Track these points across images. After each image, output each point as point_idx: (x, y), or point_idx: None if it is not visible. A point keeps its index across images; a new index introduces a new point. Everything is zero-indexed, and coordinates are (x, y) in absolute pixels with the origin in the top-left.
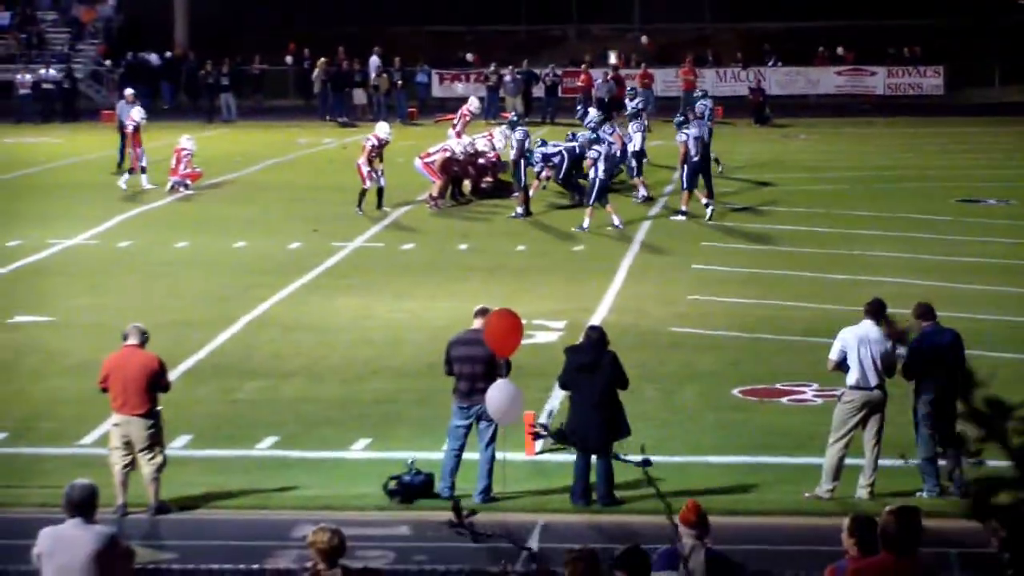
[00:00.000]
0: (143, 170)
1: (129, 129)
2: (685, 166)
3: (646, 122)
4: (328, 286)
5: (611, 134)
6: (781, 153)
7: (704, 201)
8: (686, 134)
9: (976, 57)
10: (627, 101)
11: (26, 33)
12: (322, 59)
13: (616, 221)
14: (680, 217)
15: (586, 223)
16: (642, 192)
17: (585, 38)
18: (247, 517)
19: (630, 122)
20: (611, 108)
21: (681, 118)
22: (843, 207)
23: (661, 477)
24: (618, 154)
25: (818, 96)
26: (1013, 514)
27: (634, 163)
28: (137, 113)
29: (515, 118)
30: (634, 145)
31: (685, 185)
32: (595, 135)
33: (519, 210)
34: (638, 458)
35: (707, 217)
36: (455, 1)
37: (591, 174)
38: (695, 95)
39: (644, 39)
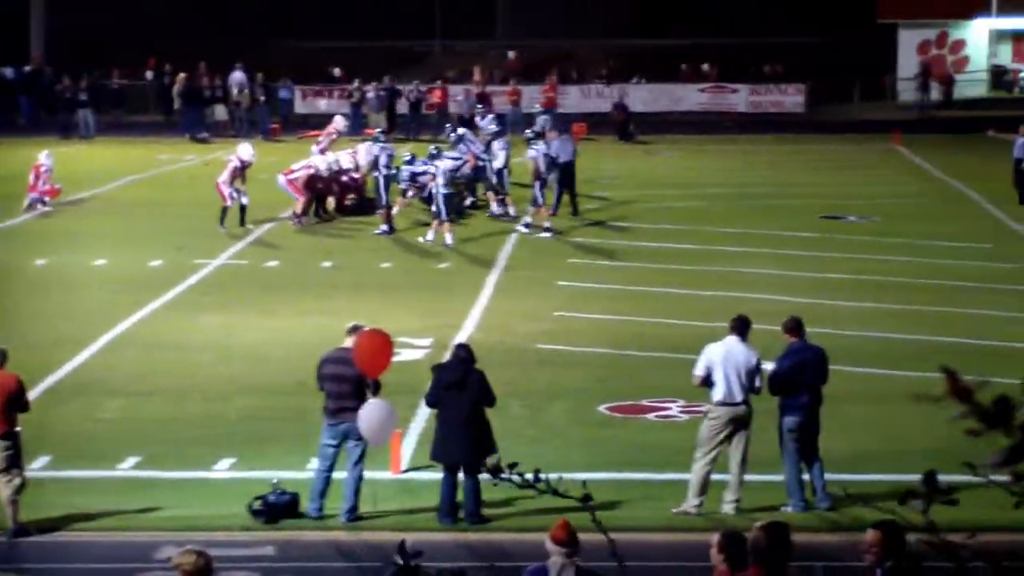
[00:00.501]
0: None
1: None
2: (537, 182)
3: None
4: (191, 304)
5: (466, 152)
6: (646, 170)
7: (545, 223)
8: (535, 150)
9: (836, 75)
10: (478, 120)
11: None
12: (182, 74)
13: (430, 237)
14: (545, 234)
15: (448, 239)
16: (495, 208)
17: (449, 54)
18: (110, 539)
19: (494, 140)
20: (470, 125)
21: (531, 135)
22: (708, 223)
23: (529, 495)
24: (469, 171)
25: (681, 113)
26: None
27: (494, 180)
28: None
29: (379, 135)
30: (499, 162)
31: (540, 201)
32: (435, 152)
33: (383, 227)
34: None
35: (524, 227)
36: (318, 16)
37: (434, 190)
38: (527, 112)
39: (511, 55)
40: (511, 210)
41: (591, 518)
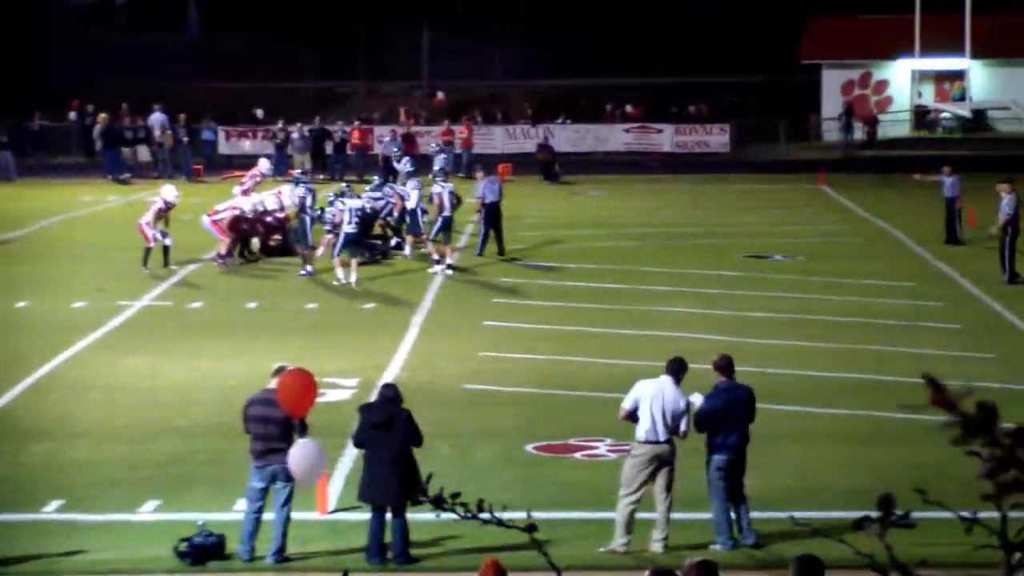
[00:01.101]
0: None
1: None
2: (440, 218)
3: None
4: (115, 346)
5: (391, 194)
6: (571, 210)
7: (445, 260)
8: (442, 187)
9: (761, 115)
10: (395, 163)
11: None
12: (103, 115)
13: (340, 276)
14: (442, 267)
15: (352, 276)
16: (408, 251)
17: (374, 95)
18: None
19: (408, 181)
20: (392, 168)
21: (437, 172)
22: (634, 263)
23: (458, 534)
24: (395, 213)
25: (606, 153)
26: None
27: (408, 220)
28: None
29: (299, 175)
30: (411, 203)
31: (433, 236)
32: (346, 189)
33: (308, 268)
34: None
35: (442, 268)
36: (242, 57)
37: (343, 228)
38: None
39: (439, 95)
40: (430, 250)
41: (536, 548)
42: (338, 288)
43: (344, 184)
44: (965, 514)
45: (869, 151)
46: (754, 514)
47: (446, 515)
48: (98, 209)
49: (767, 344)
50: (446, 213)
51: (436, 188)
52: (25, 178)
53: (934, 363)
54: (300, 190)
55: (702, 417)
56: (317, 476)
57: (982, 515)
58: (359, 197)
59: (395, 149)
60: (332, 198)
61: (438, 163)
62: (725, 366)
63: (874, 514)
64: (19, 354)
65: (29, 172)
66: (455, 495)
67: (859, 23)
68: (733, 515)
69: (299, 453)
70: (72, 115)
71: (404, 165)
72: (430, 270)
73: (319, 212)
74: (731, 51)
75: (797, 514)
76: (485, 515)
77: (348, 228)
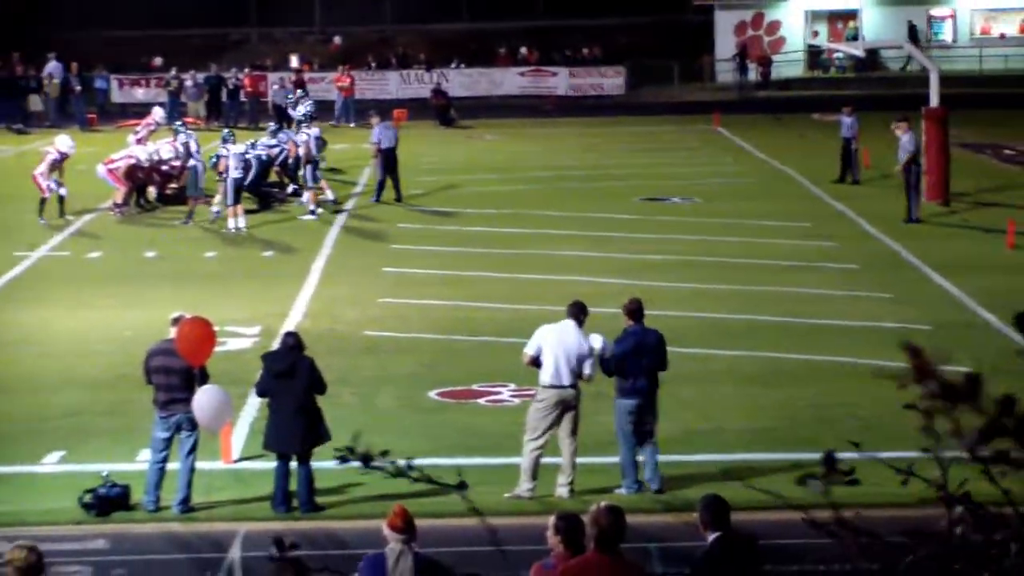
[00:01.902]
0: None
1: None
2: (309, 165)
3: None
4: (11, 298)
5: (285, 141)
6: (467, 155)
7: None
8: (307, 134)
9: (656, 56)
10: (290, 110)
11: None
12: None
13: (231, 224)
14: (311, 216)
15: (240, 223)
16: (307, 197)
17: (267, 41)
18: None
19: (303, 128)
20: (285, 114)
21: (301, 118)
22: (531, 207)
23: (363, 482)
24: (290, 160)
25: (501, 97)
26: None
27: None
28: None
29: (178, 126)
30: (303, 150)
31: (311, 183)
32: (227, 136)
33: (214, 210)
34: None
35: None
36: (134, 5)
37: (227, 174)
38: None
39: (336, 40)
40: (330, 195)
41: (468, 505)
42: (235, 236)
43: (225, 131)
44: (901, 469)
45: (763, 92)
46: (658, 457)
47: (375, 472)
48: None
49: (666, 287)
50: (315, 157)
51: (302, 136)
52: None
53: (831, 303)
54: (181, 138)
55: (611, 361)
56: (223, 422)
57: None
58: (244, 144)
59: (288, 96)
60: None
61: (305, 108)
62: (635, 310)
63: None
64: None
65: None
66: (384, 452)
67: None
68: (641, 458)
69: (204, 399)
70: None
71: (302, 110)
72: (306, 216)
73: (213, 159)
74: None
75: (700, 457)
76: (415, 473)
77: (234, 174)
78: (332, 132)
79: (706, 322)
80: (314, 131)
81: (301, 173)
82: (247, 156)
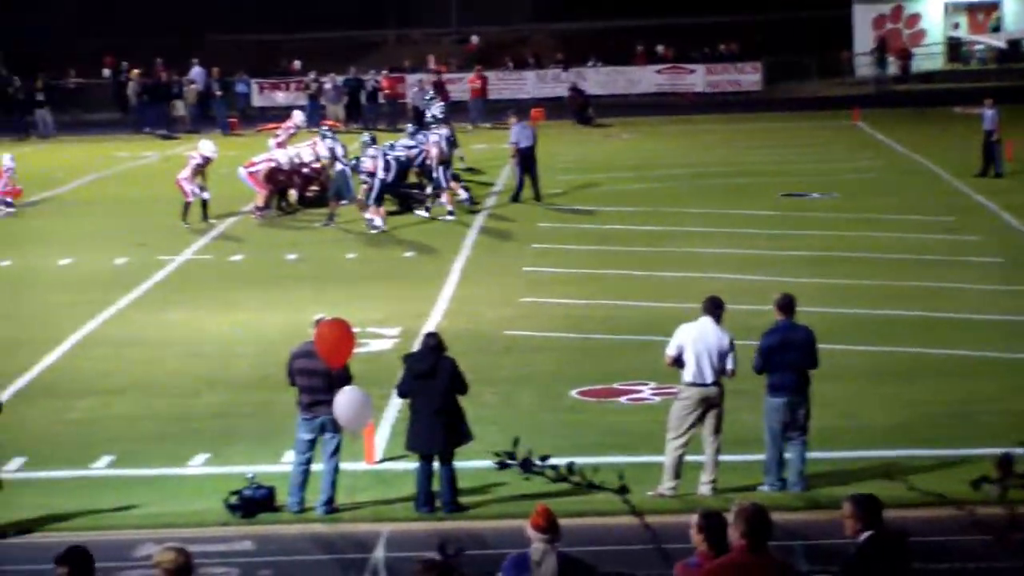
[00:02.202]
0: None
1: None
2: (440, 166)
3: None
4: (157, 300)
5: (423, 142)
6: (606, 153)
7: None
8: (437, 135)
9: (793, 52)
10: (432, 110)
11: None
12: (135, 71)
13: (378, 224)
14: (449, 217)
15: (377, 221)
16: (445, 199)
17: (405, 43)
18: (87, 538)
19: (432, 129)
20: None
21: (431, 120)
22: (670, 205)
23: (505, 481)
24: (428, 161)
25: (639, 95)
26: None
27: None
28: None
29: (325, 129)
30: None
31: (443, 184)
32: (368, 139)
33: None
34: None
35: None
36: (273, 9)
37: (377, 176)
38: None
39: (474, 39)
40: (462, 195)
41: (629, 508)
42: (377, 237)
43: (367, 135)
44: None
45: (903, 85)
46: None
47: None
48: (136, 165)
49: (806, 283)
50: (446, 157)
51: (432, 137)
52: (63, 134)
53: (974, 298)
54: (327, 143)
55: (758, 354)
56: (363, 424)
57: None
58: (387, 146)
59: (425, 97)
60: (365, 147)
61: (436, 109)
62: (785, 305)
63: (990, 474)
64: (64, 311)
65: (66, 129)
66: (544, 457)
67: None
68: (788, 456)
69: (343, 401)
70: (106, 72)
71: (436, 110)
72: (446, 217)
73: (354, 161)
74: None
75: (842, 454)
76: (576, 477)
77: (382, 175)
78: (470, 133)
79: (846, 318)
80: (443, 132)
81: (435, 175)
82: (387, 157)
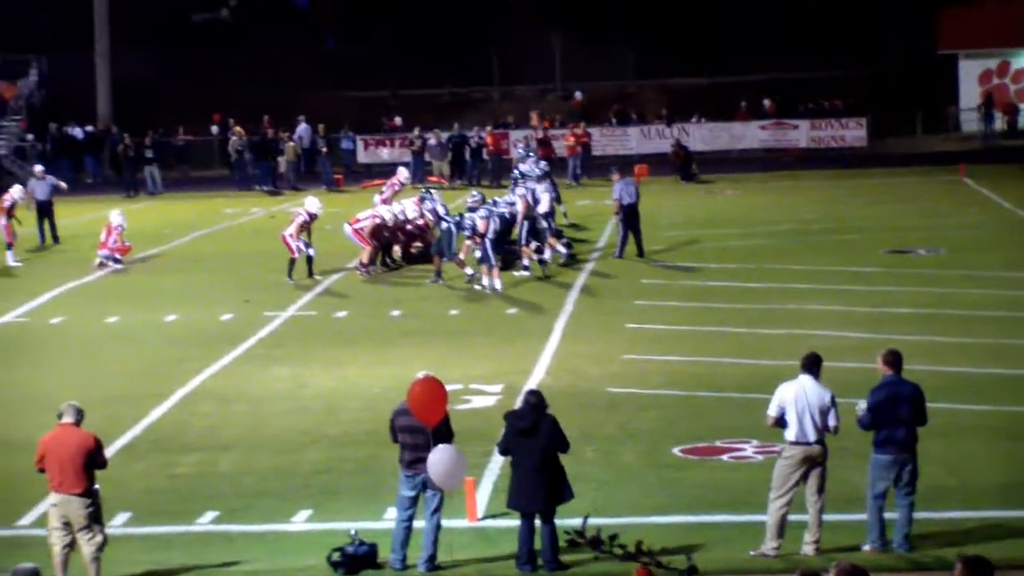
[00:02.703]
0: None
1: (6, 204)
2: (525, 221)
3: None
4: (262, 356)
5: (520, 196)
6: (709, 209)
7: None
8: (524, 188)
9: (898, 107)
10: (520, 166)
11: None
12: (237, 127)
13: (485, 283)
14: (523, 272)
15: (496, 283)
16: (547, 254)
17: (509, 99)
18: None
19: (538, 183)
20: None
21: (517, 175)
22: (774, 261)
23: (603, 540)
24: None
25: (742, 151)
26: None
27: (544, 224)
28: (16, 191)
29: (424, 192)
30: (543, 207)
31: (522, 241)
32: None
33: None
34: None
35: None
36: (378, 66)
37: (488, 235)
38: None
39: (578, 95)
40: (562, 250)
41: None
42: (479, 294)
43: (476, 193)
44: None
45: (1010, 140)
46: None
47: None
48: (242, 221)
49: (910, 340)
50: (533, 214)
51: (519, 191)
52: (170, 191)
53: None
54: (427, 204)
55: (865, 412)
56: (458, 482)
57: None
58: (491, 203)
59: (527, 155)
60: (471, 206)
61: (531, 165)
62: (892, 361)
63: None
64: (169, 366)
65: (174, 185)
66: (613, 537)
67: (995, 11)
68: (894, 516)
69: (438, 459)
70: (214, 128)
71: (529, 166)
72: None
73: (457, 217)
74: (866, 43)
75: (949, 514)
76: (644, 559)
77: (491, 235)
78: (573, 189)
79: (953, 375)
80: (539, 186)
81: (543, 227)
82: (503, 215)
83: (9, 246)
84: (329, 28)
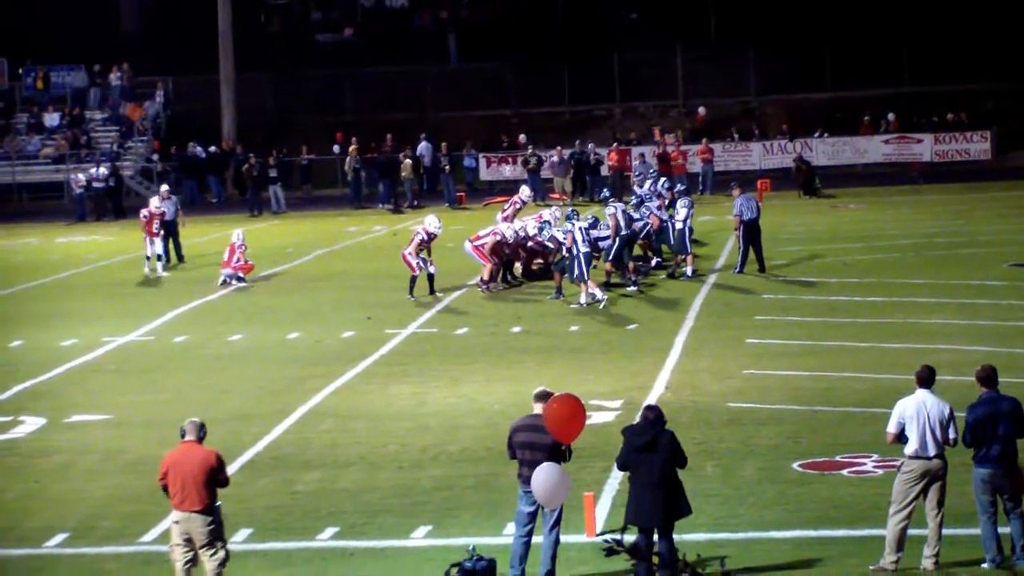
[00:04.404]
0: (159, 258)
1: (142, 218)
2: (617, 238)
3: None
4: (383, 374)
5: (647, 214)
6: (831, 224)
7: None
8: (614, 207)
9: (1023, 121)
10: (635, 187)
11: (75, 133)
12: (352, 147)
13: (588, 298)
14: (631, 288)
15: (592, 295)
16: (688, 270)
17: (631, 116)
18: None
19: (678, 199)
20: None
21: (607, 194)
22: (896, 275)
23: (727, 555)
24: (652, 234)
25: (865, 165)
26: None
27: (674, 239)
28: (155, 203)
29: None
30: (679, 221)
31: (608, 257)
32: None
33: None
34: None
35: (598, 301)
36: (500, 84)
37: (574, 250)
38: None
39: (701, 110)
40: (688, 270)
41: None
42: (600, 310)
43: (571, 208)
44: None
45: None
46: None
47: None
48: (364, 239)
49: None
50: (623, 231)
51: (608, 210)
52: (294, 210)
53: None
54: (545, 234)
55: (967, 429)
56: (560, 498)
57: None
58: (590, 222)
59: (639, 172)
60: (591, 223)
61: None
62: (987, 377)
63: None
64: (291, 384)
65: (297, 205)
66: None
67: None
68: (1007, 530)
69: (539, 477)
70: (336, 148)
71: (649, 186)
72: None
73: (558, 232)
74: (989, 56)
75: None
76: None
77: (583, 248)
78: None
79: None
80: (620, 206)
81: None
82: (582, 231)
83: (159, 257)
84: (453, 45)
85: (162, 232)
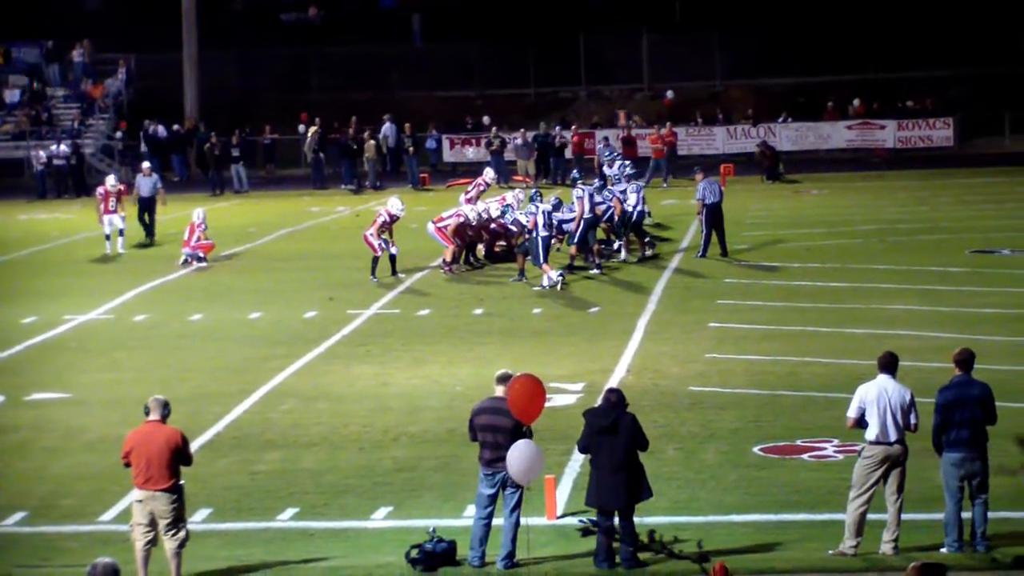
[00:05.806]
0: (120, 233)
1: (98, 196)
2: (581, 222)
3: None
4: (345, 354)
5: (610, 198)
6: (794, 209)
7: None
8: (583, 190)
9: (985, 108)
10: (605, 168)
11: (36, 110)
12: (313, 127)
13: (548, 280)
14: (595, 271)
15: (551, 278)
16: (623, 254)
17: (596, 99)
18: None
19: (627, 184)
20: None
21: (576, 177)
22: (858, 261)
23: (687, 538)
24: (615, 217)
25: (828, 151)
26: None
27: (628, 223)
28: (110, 180)
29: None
30: (629, 206)
31: (573, 240)
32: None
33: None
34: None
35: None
36: (465, 65)
37: (535, 233)
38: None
39: (669, 94)
40: (647, 252)
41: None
42: (562, 293)
43: (534, 190)
44: None
45: None
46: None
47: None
48: (327, 219)
49: (996, 340)
50: (585, 215)
51: (577, 192)
52: (256, 190)
53: None
54: (508, 217)
55: (936, 411)
56: (534, 475)
57: None
58: (553, 204)
59: (607, 154)
60: (554, 205)
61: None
62: (963, 360)
63: None
64: (252, 364)
65: (260, 184)
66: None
67: None
68: (969, 515)
69: (515, 454)
70: (301, 128)
71: (615, 169)
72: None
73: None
74: (952, 43)
75: None
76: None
77: (543, 232)
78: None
79: None
80: (588, 189)
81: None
82: (546, 215)
83: (120, 232)
84: (416, 25)
85: (139, 208)
